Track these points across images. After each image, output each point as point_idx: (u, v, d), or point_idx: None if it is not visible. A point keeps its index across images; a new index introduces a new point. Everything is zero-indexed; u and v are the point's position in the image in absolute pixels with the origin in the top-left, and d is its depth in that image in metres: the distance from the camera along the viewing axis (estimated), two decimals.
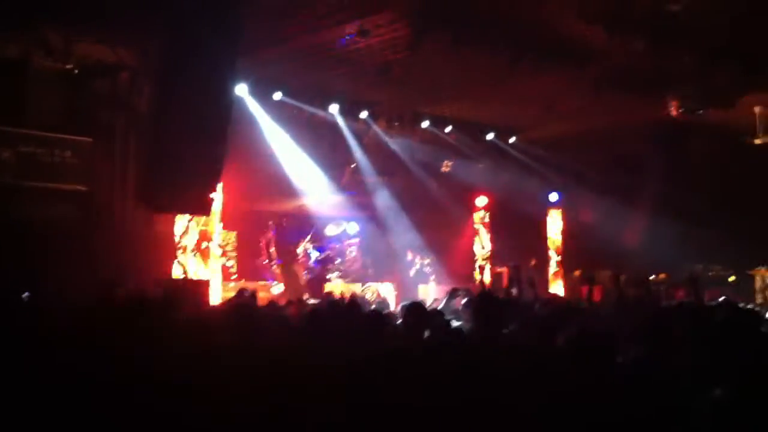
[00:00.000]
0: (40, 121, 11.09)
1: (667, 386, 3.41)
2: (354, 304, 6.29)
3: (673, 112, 12.26)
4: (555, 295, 14.20)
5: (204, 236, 12.57)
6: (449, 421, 3.19)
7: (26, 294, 7.70)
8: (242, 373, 3.77)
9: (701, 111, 12.33)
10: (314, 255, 14.59)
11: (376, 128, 14.46)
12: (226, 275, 13.59)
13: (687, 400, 3.22)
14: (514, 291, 7.21)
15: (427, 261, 15.81)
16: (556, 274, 18.04)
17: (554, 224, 18.20)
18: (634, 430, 3.15)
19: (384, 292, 14.72)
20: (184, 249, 12.35)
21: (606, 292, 9.78)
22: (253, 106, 12.76)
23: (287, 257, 14.16)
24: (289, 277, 13.74)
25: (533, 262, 16.08)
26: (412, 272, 15.71)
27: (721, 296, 12.24)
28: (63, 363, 3.73)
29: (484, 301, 5.03)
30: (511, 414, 3.12)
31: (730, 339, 4.05)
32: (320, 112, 13.50)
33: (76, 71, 11.09)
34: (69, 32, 10.66)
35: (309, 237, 14.74)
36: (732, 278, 15.69)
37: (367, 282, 15.07)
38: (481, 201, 17.49)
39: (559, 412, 3.17)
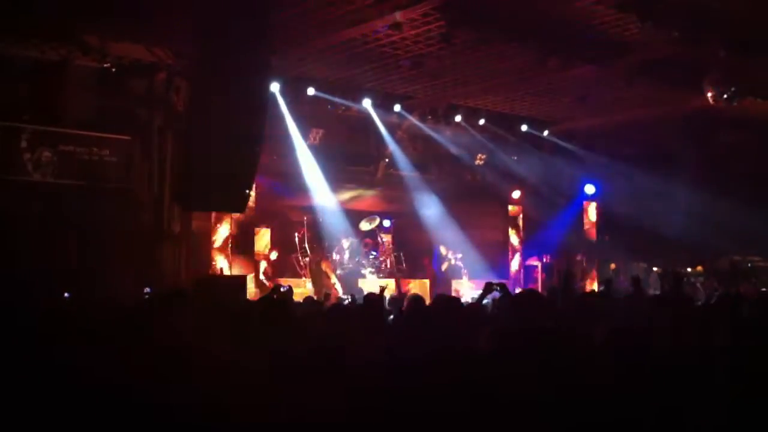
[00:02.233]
0: (79, 121, 11.29)
1: (699, 384, 3.39)
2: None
3: (711, 101, 12.09)
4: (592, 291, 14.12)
5: (240, 233, 12.71)
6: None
7: (67, 294, 7.88)
8: (278, 368, 3.81)
9: (737, 100, 12.15)
10: (351, 251, 14.63)
11: (411, 121, 14.46)
12: (261, 272, 13.71)
13: (717, 398, 3.20)
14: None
15: (459, 256, 15.76)
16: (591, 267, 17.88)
17: (589, 217, 18.04)
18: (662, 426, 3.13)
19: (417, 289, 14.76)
20: (221, 246, 12.49)
21: (641, 286, 9.71)
22: (286, 104, 12.85)
23: (319, 254, 14.22)
24: (318, 274, 13.79)
25: (578, 257, 15.94)
26: (444, 267, 15.67)
27: (760, 287, 12.13)
28: (98, 362, 3.78)
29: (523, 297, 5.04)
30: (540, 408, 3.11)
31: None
32: (353, 107, 13.54)
33: (114, 71, 11.26)
34: (106, 33, 10.83)
35: (344, 235, 14.78)
36: None
37: (400, 277, 15.08)
38: (515, 194, 17.40)
39: (589, 407, 3.17)
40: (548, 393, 3.12)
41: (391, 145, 14.94)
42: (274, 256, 14.13)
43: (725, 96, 11.43)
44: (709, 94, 11.63)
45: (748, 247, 15.50)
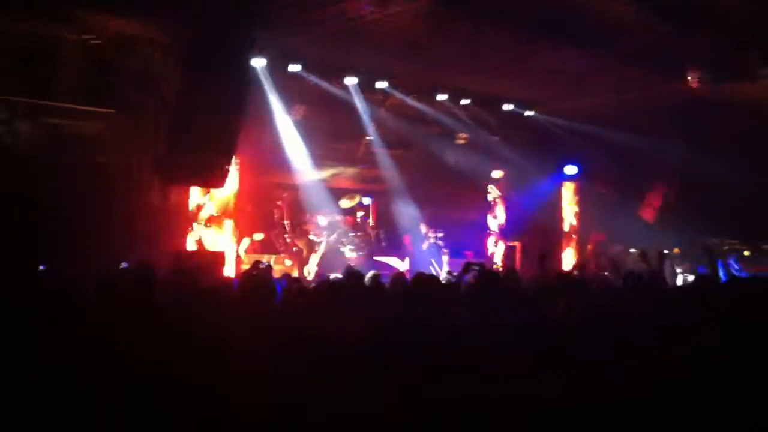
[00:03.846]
0: (65, 95, 11.16)
1: (673, 367, 3.41)
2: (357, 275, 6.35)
3: (694, 84, 12.13)
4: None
5: (219, 208, 12.63)
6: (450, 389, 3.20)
7: (42, 267, 7.80)
8: (259, 347, 3.79)
9: (722, 83, 12.21)
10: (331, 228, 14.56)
11: (394, 99, 14.40)
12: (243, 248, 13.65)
13: (695, 383, 3.22)
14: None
15: (440, 234, 15.79)
16: (569, 248, 18.01)
17: (569, 198, 18.13)
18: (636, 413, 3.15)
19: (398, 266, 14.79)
20: (200, 221, 12.41)
21: (616, 266, 9.75)
22: (269, 79, 12.72)
23: (298, 231, 14.19)
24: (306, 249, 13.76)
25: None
26: (425, 245, 15.70)
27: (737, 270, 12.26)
28: (73, 339, 3.74)
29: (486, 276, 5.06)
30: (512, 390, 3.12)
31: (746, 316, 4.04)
32: (336, 85, 13.44)
33: (103, 46, 11.12)
34: (99, 9, 10.67)
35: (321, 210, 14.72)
36: (747, 252, 15.64)
37: (380, 255, 15.10)
38: (496, 174, 17.43)
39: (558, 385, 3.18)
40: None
41: (374, 123, 14.87)
42: (259, 237, 14.05)
43: (709, 79, 11.49)
44: (690, 78, 11.69)
45: (727, 231, 15.65)
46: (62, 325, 4.01)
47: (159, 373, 3.43)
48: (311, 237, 14.33)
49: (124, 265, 8.63)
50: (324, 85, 13.25)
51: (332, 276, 9.81)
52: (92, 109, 11.39)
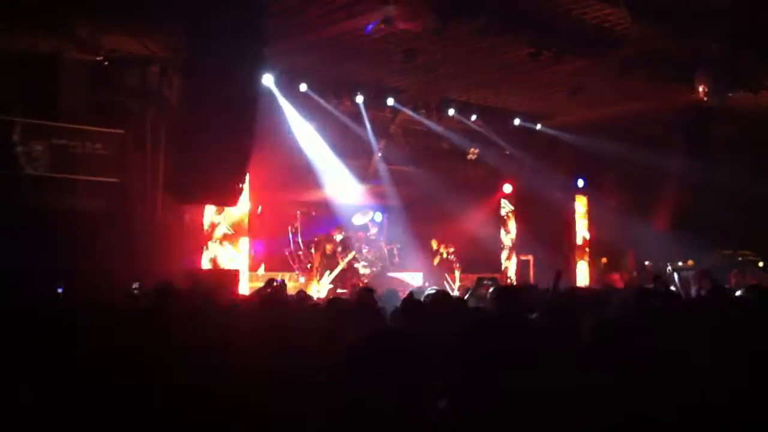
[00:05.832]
0: (71, 114, 11.27)
1: (682, 379, 3.41)
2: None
3: (701, 95, 12.14)
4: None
5: (233, 226, 12.70)
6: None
7: (60, 288, 7.86)
8: (273, 363, 3.82)
9: (729, 95, 12.22)
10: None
11: (404, 115, 14.48)
12: (254, 265, 13.70)
13: (703, 393, 3.22)
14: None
15: (452, 249, 15.80)
16: (582, 261, 17.97)
17: (580, 210, 18.11)
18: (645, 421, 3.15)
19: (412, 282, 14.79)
20: (214, 239, 12.48)
21: (629, 280, 9.72)
22: (279, 97, 12.84)
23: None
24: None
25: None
26: (436, 261, 15.71)
27: (751, 281, 12.18)
28: (89, 360, 3.77)
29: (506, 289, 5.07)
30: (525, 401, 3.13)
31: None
32: (346, 102, 13.54)
33: (106, 64, 11.24)
34: (98, 25, 10.80)
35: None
36: (761, 263, 15.54)
37: (393, 271, 15.11)
38: (507, 188, 17.45)
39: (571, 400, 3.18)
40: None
41: (384, 140, 14.95)
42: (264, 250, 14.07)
43: (716, 92, 11.51)
44: (701, 89, 11.70)
45: (740, 242, 15.58)
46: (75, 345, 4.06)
47: (169, 390, 3.47)
48: (326, 254, 14.33)
49: (135, 285, 8.68)
50: (330, 104, 13.36)
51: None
52: (99, 129, 11.51)
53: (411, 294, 7.00)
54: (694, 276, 12.04)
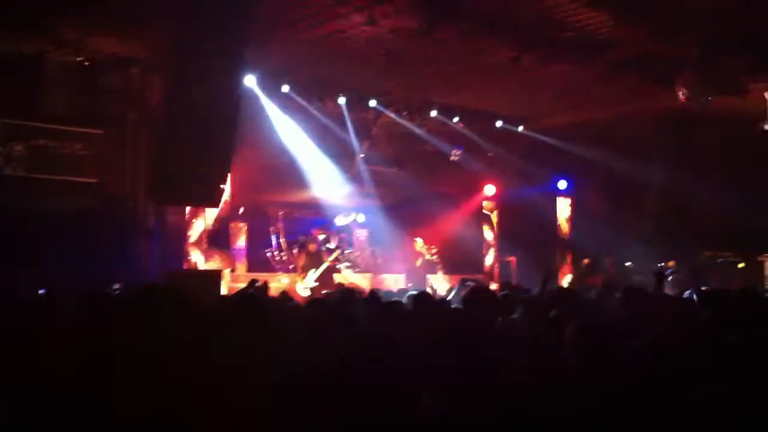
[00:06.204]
0: (52, 115, 11.19)
1: (672, 380, 3.42)
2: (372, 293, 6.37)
3: (682, 99, 12.23)
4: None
5: (215, 227, 12.64)
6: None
7: (41, 290, 7.78)
8: (252, 364, 3.81)
9: (710, 98, 12.31)
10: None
11: (387, 117, 14.49)
12: (236, 267, 13.67)
13: (694, 395, 3.23)
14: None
15: (434, 250, 15.83)
16: (563, 262, 18.03)
17: (562, 212, 18.18)
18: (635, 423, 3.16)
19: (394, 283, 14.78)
20: (195, 241, 12.41)
21: (608, 280, 9.77)
22: (262, 98, 12.81)
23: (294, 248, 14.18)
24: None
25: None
26: (418, 262, 15.74)
27: (729, 283, 12.29)
28: (69, 361, 3.75)
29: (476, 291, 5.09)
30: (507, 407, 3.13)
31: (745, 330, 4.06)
32: (329, 103, 13.53)
33: (87, 64, 11.17)
34: (81, 26, 10.73)
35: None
36: (741, 265, 15.67)
37: (377, 272, 15.11)
38: (490, 190, 17.49)
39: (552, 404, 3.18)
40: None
41: (367, 141, 14.95)
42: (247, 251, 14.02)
43: (697, 96, 11.59)
44: (681, 93, 11.78)
45: (720, 244, 15.71)
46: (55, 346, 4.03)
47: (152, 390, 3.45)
48: (310, 253, 14.30)
49: (115, 286, 8.62)
50: (312, 105, 13.35)
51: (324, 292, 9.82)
52: (79, 129, 11.44)
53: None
54: (684, 276, 12.17)
